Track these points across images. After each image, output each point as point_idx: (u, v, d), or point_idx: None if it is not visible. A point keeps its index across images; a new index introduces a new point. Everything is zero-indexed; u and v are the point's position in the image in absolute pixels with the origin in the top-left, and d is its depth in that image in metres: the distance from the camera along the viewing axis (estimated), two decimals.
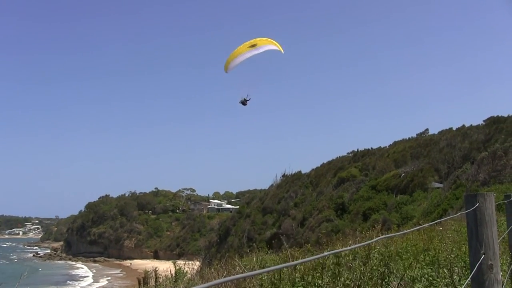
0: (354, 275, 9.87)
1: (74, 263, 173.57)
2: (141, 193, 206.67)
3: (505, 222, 10.65)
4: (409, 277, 9.97)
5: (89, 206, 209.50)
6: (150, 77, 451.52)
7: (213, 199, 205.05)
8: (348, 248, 4.26)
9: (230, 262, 16.51)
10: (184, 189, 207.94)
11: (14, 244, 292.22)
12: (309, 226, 77.78)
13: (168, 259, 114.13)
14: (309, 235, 71.81)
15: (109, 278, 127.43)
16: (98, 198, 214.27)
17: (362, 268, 10.01)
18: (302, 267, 10.19)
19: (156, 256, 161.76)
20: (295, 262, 2.95)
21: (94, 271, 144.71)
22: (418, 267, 10.59)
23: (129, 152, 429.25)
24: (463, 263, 10.32)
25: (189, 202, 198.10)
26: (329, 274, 9.88)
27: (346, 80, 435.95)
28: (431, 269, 10.47)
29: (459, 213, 7.96)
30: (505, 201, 9.91)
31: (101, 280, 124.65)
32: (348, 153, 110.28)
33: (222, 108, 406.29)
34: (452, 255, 11.19)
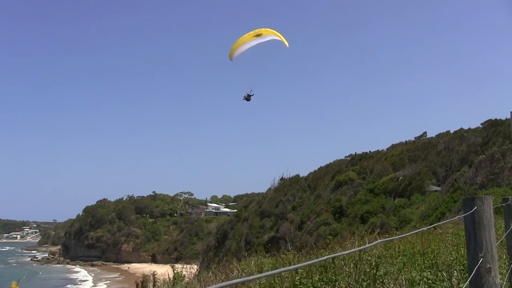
0: (349, 278, 9.87)
1: (72, 267, 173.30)
2: (139, 197, 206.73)
3: (503, 225, 10.66)
4: (407, 279, 9.97)
5: (87, 210, 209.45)
6: (148, 80, 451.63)
7: (211, 202, 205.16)
8: (347, 252, 4.26)
9: (228, 266, 16.51)
10: (182, 192, 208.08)
11: (13, 248, 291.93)
12: (307, 229, 77.75)
13: (166, 263, 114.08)
14: (307, 239, 71.82)
15: (108, 282, 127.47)
16: (96, 202, 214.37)
17: (354, 270, 10.02)
18: (301, 270, 10.20)
19: (154, 260, 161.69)
20: (293, 266, 2.94)
21: (93, 275, 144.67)
22: (417, 270, 10.58)
23: (127, 156, 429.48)
24: (461, 266, 10.32)
25: (187, 206, 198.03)
26: (326, 277, 9.88)
27: (344, 83, 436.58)
28: (430, 272, 10.47)
29: (457, 217, 7.98)
30: (503, 204, 9.91)
31: (99, 283, 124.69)
32: (346, 157, 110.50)
33: (220, 112, 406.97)
34: (450, 258, 11.19)
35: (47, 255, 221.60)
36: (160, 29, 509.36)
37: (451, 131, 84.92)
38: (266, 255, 20.26)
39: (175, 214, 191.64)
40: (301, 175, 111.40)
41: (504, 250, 10.39)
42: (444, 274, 9.81)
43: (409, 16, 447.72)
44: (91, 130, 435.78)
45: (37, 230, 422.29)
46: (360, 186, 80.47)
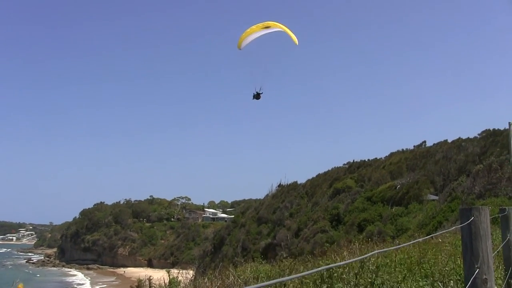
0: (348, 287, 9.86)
1: (68, 270, 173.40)
2: (136, 201, 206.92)
3: (500, 235, 10.65)
4: None
5: (84, 213, 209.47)
6: (147, 84, 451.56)
7: (208, 208, 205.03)
8: (343, 262, 4.27)
9: (224, 271, 16.49)
10: (179, 197, 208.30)
11: (9, 250, 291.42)
12: (304, 236, 77.72)
13: (162, 267, 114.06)
14: (304, 246, 71.82)
15: (105, 286, 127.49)
16: (93, 205, 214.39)
17: (355, 280, 10.00)
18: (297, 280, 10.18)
19: (150, 265, 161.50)
20: (290, 277, 2.95)
21: (90, 278, 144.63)
22: (413, 280, 10.57)
23: (125, 159, 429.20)
24: (458, 277, 10.31)
25: (184, 211, 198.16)
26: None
27: (343, 90, 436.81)
28: (426, 282, 10.47)
29: (454, 227, 7.98)
30: (500, 215, 9.92)
31: (96, 287, 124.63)
32: (344, 164, 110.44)
33: (219, 117, 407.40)
34: (447, 268, 11.19)
35: (42, 257, 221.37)
36: (159, 32, 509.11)
37: (449, 141, 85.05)
38: (263, 262, 20.25)
39: (172, 219, 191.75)
40: (299, 182, 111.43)
41: (501, 261, 10.39)
42: (440, 285, 9.80)
43: (410, 23, 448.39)
44: (89, 133, 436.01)
45: (33, 232, 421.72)
46: (357, 194, 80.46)
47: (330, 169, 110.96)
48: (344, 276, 10.49)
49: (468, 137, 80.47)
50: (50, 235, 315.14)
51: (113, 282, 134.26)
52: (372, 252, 4.74)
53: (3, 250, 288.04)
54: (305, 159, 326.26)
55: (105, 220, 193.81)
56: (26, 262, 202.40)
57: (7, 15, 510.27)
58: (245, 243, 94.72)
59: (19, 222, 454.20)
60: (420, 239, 7.49)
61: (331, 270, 10.10)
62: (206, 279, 16.31)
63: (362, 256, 4.43)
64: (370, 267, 10.59)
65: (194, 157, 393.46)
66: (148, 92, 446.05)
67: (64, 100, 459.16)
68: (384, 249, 6.28)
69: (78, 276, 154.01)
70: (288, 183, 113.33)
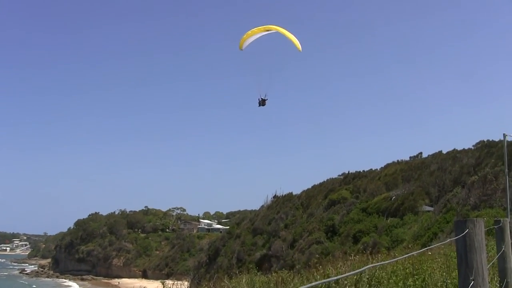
0: None
1: (63, 280, 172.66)
2: (131, 211, 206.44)
3: (495, 247, 10.66)
4: None
5: (78, 223, 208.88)
6: (141, 94, 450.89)
7: (203, 219, 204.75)
8: (340, 276, 4.26)
9: (219, 283, 16.46)
10: (175, 208, 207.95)
11: (3, 260, 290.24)
12: (299, 248, 77.68)
13: (156, 278, 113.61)
14: (299, 257, 71.76)
15: None
16: (88, 216, 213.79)
17: None
18: None
19: (145, 276, 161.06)
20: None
21: None
22: None
23: (120, 170, 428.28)
24: None
25: (179, 222, 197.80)
26: None
27: (339, 101, 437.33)
28: None
29: (448, 240, 7.97)
30: (495, 226, 9.93)
31: None
32: (339, 175, 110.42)
33: (214, 128, 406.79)
34: (441, 280, 11.18)
35: (36, 268, 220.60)
36: (160, 38, 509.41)
37: (444, 152, 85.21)
38: (258, 273, 20.20)
39: (167, 230, 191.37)
40: (294, 193, 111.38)
41: (496, 272, 10.39)
42: None
43: (401, 38, 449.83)
44: (85, 143, 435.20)
45: (27, 243, 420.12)
46: (353, 205, 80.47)
47: (325, 180, 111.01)
48: None
49: (463, 148, 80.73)
50: (44, 245, 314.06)
51: None
52: (367, 266, 4.74)
53: None
54: (300, 170, 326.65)
55: (99, 231, 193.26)
56: (20, 272, 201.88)
57: (8, 19, 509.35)
58: (240, 254, 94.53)
59: (13, 232, 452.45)
60: (415, 253, 7.46)
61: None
62: None
63: (357, 270, 4.41)
64: (364, 279, 10.59)
65: (189, 167, 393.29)
66: (144, 102, 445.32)
67: (58, 109, 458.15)
68: (379, 263, 6.26)
69: (72, 286, 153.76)
70: (284, 194, 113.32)
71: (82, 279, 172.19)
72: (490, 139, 75.81)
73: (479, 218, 5.50)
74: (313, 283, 3.32)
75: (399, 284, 11.61)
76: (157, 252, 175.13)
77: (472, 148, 77.78)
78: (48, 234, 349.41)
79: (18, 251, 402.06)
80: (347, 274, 4.25)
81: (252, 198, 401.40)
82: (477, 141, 79.43)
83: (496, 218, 10.49)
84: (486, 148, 72.32)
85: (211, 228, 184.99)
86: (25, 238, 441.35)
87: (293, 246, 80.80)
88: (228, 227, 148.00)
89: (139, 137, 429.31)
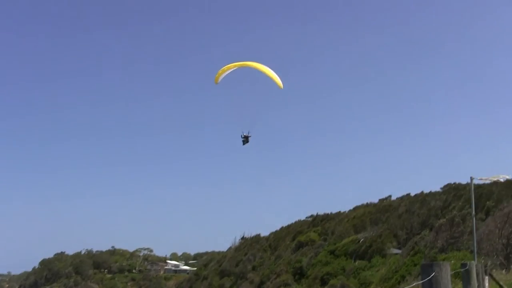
0: None
1: None
2: (97, 251, 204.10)
3: None
4: None
5: (44, 262, 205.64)
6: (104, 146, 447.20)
7: (171, 259, 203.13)
8: None
9: None
10: (142, 248, 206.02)
11: None
12: None
13: None
14: None
15: None
16: (53, 255, 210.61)
17: None
18: None
19: None
20: None
21: None
22: None
23: (86, 209, 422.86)
24: None
25: (146, 262, 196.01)
26: None
27: (306, 143, 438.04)
28: None
29: (414, 283, 7.86)
30: (462, 269, 9.83)
31: None
32: (307, 217, 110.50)
33: (181, 168, 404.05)
34: None
35: None
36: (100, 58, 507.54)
37: (412, 194, 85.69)
38: None
39: (134, 270, 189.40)
40: (262, 235, 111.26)
41: None
42: None
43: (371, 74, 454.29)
44: (52, 179, 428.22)
45: None
46: (321, 247, 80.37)
47: (293, 222, 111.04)
48: None
49: (431, 191, 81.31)
50: (8, 285, 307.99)
51: None
52: None
53: None
54: (268, 211, 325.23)
55: (65, 271, 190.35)
56: None
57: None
58: None
59: None
60: None
61: None
62: None
63: None
64: None
65: (157, 207, 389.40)
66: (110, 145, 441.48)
67: (17, 138, 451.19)
68: None
69: None
70: (251, 236, 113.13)
71: None
72: (457, 182, 76.59)
73: (445, 261, 5.40)
74: None
75: None
76: None
77: (440, 190, 78.35)
78: (12, 274, 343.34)
79: None
80: None
81: (220, 239, 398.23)
82: (445, 184, 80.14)
83: (463, 261, 10.41)
84: (454, 191, 72.93)
85: (178, 269, 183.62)
86: None
87: None
88: (195, 268, 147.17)
89: (106, 175, 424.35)
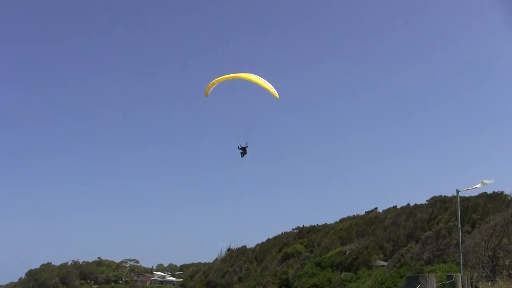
0: None
1: None
2: (84, 262, 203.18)
3: None
4: None
5: (30, 273, 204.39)
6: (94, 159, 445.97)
7: (157, 271, 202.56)
8: None
9: None
10: (128, 259, 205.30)
11: None
12: None
13: None
14: None
15: None
16: (40, 266, 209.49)
17: None
18: None
19: None
20: None
21: None
22: None
23: (73, 220, 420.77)
24: None
25: (132, 273, 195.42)
26: None
27: (294, 152, 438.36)
28: None
29: None
30: (448, 282, 9.83)
31: None
32: (293, 229, 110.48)
33: (167, 179, 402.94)
34: None
35: None
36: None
37: (398, 207, 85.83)
38: None
39: (120, 281, 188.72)
40: (248, 246, 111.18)
41: None
42: None
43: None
44: (38, 190, 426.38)
45: None
46: (307, 259, 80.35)
47: (279, 233, 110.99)
48: None
49: (416, 204, 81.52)
50: None
51: None
52: None
53: None
54: (254, 223, 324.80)
55: (51, 281, 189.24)
56: None
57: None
58: None
59: None
60: None
61: None
62: None
63: None
64: None
65: (142, 219, 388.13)
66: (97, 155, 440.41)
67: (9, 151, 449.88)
68: None
69: None
70: (238, 247, 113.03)
71: None
72: (443, 195, 76.79)
73: (431, 273, 5.38)
74: None
75: None
76: None
77: (426, 203, 78.53)
78: None
79: None
80: None
81: (206, 251, 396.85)
82: (431, 196, 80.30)
83: (448, 273, 10.41)
84: (440, 203, 73.10)
85: (165, 281, 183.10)
86: None
87: None
88: (181, 279, 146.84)
89: (92, 186, 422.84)
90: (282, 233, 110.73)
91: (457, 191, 30.66)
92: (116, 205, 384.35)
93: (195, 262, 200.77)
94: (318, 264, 75.68)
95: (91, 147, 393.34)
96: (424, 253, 51.63)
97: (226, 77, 33.06)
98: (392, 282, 48.35)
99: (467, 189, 31.71)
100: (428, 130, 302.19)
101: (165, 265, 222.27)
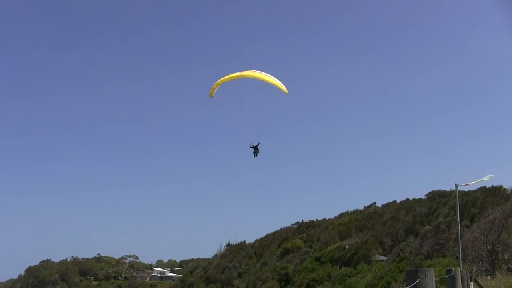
0: None
1: None
2: (83, 258, 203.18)
3: None
4: None
5: (29, 270, 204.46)
6: (90, 136, 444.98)
7: (156, 267, 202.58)
8: None
9: None
10: (127, 256, 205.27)
11: None
12: None
13: None
14: None
15: None
16: (39, 262, 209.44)
17: None
18: None
19: None
20: None
21: None
22: None
23: (73, 216, 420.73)
24: None
25: (131, 269, 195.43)
26: None
27: (292, 150, 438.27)
28: None
29: None
30: (447, 276, 9.84)
31: None
32: (292, 224, 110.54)
33: (165, 174, 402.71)
34: None
35: None
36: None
37: (397, 201, 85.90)
38: None
39: (120, 278, 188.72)
40: (247, 242, 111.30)
41: None
42: None
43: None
44: (35, 187, 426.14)
45: None
46: (306, 254, 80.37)
47: (279, 229, 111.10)
48: None
49: (414, 198, 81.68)
50: None
51: None
52: None
53: None
54: (253, 218, 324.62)
55: (51, 278, 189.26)
56: None
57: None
58: None
59: None
60: None
61: None
62: None
63: None
64: None
65: (142, 214, 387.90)
66: (91, 146, 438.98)
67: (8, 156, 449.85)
68: None
69: None
70: (237, 243, 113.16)
71: None
72: (442, 189, 76.91)
73: (430, 268, 5.40)
74: None
75: None
76: None
77: (425, 197, 78.61)
78: None
79: None
80: None
81: (206, 246, 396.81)
82: (429, 191, 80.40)
83: (448, 268, 10.42)
84: (439, 198, 73.17)
85: (164, 276, 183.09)
86: None
87: None
88: (181, 275, 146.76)
89: (92, 181, 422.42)
90: (281, 228, 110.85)
91: (456, 186, 30.68)
92: (115, 202, 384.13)
93: (194, 258, 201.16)
94: (317, 259, 75.70)
95: (90, 146, 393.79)
96: (423, 248, 51.65)
97: (230, 77, 32.30)
98: (391, 277, 48.33)
99: (466, 184, 31.76)
100: (427, 124, 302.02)
101: (165, 261, 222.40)
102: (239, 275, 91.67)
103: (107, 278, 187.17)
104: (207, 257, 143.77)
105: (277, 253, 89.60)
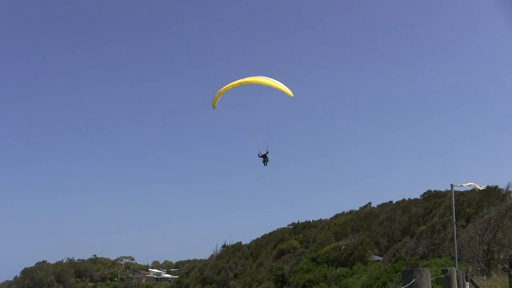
0: None
1: None
2: (79, 259, 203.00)
3: None
4: None
5: (25, 271, 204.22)
6: (83, 139, 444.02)
7: (152, 268, 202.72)
8: None
9: None
10: (123, 257, 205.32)
11: None
12: None
13: None
14: None
15: None
16: (35, 264, 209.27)
17: None
18: None
19: None
20: None
21: None
22: None
23: (68, 217, 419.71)
24: None
25: (127, 271, 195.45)
26: None
27: (287, 151, 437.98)
28: None
29: None
30: (443, 276, 9.87)
31: None
32: (288, 225, 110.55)
33: (161, 176, 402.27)
34: None
35: None
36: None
37: (393, 202, 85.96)
38: None
39: (116, 279, 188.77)
40: (243, 243, 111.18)
41: None
42: None
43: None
44: (32, 189, 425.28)
45: None
46: (302, 255, 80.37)
47: (275, 229, 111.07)
48: None
49: (409, 198, 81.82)
50: None
51: None
52: None
53: None
54: (249, 219, 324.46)
55: (47, 279, 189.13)
56: None
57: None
58: None
59: None
60: None
61: None
62: None
63: None
64: None
65: (138, 216, 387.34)
66: (87, 148, 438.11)
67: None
68: None
69: None
70: (233, 244, 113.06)
71: None
72: (437, 189, 76.93)
73: (426, 268, 5.42)
74: None
75: None
76: None
77: (420, 198, 78.65)
78: None
79: None
80: None
81: (202, 247, 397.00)
82: (425, 191, 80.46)
83: (443, 268, 10.46)
84: (434, 198, 73.19)
85: (160, 278, 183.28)
86: None
87: None
88: (177, 276, 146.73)
89: (88, 183, 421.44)
90: (277, 229, 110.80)
91: (452, 186, 30.75)
92: (111, 203, 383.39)
93: (190, 259, 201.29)
94: (313, 259, 75.72)
95: (86, 148, 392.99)
96: (419, 248, 51.71)
97: (233, 84, 31.82)
98: (387, 277, 48.41)
99: (461, 185, 31.85)
100: (422, 125, 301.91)
101: (161, 262, 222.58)
102: (235, 276, 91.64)
103: (103, 279, 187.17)
104: (203, 258, 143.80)
105: (273, 254, 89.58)
